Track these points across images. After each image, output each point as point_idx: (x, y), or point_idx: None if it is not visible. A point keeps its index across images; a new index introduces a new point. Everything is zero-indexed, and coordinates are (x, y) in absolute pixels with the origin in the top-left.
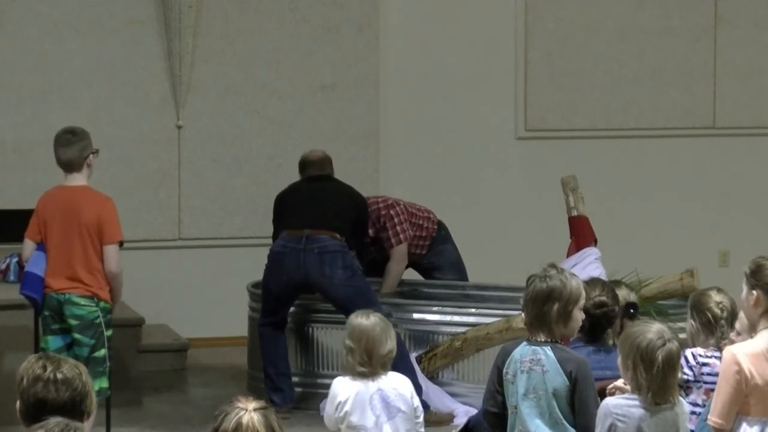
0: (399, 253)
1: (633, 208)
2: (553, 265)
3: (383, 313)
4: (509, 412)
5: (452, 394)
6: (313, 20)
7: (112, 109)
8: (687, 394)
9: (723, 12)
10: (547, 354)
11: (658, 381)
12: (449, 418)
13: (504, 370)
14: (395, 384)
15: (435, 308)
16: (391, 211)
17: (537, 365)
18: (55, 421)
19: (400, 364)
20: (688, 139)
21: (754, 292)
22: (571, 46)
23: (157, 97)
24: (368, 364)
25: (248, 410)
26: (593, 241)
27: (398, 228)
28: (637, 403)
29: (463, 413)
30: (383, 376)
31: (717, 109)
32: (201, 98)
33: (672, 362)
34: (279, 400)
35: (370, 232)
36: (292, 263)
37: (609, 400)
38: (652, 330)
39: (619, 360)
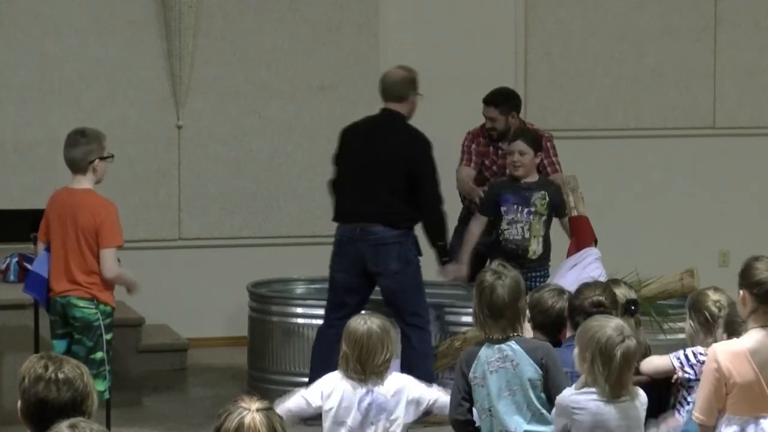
0: (560, 179)
1: (633, 208)
2: (502, 264)
3: (420, 315)
4: (481, 415)
5: None
6: (313, 20)
7: (112, 109)
8: (689, 393)
9: (723, 12)
10: (513, 348)
11: (615, 376)
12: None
13: (471, 375)
14: (390, 389)
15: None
16: (551, 143)
17: (506, 362)
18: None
19: (421, 366)
20: (688, 139)
21: (741, 291)
22: (571, 46)
23: (157, 97)
24: (361, 372)
25: (251, 410)
26: (593, 241)
27: (556, 159)
28: (594, 396)
29: None
30: (378, 384)
31: (717, 109)
32: (201, 98)
33: (629, 359)
34: None
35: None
36: (351, 251)
37: (564, 395)
38: (611, 326)
39: (576, 351)
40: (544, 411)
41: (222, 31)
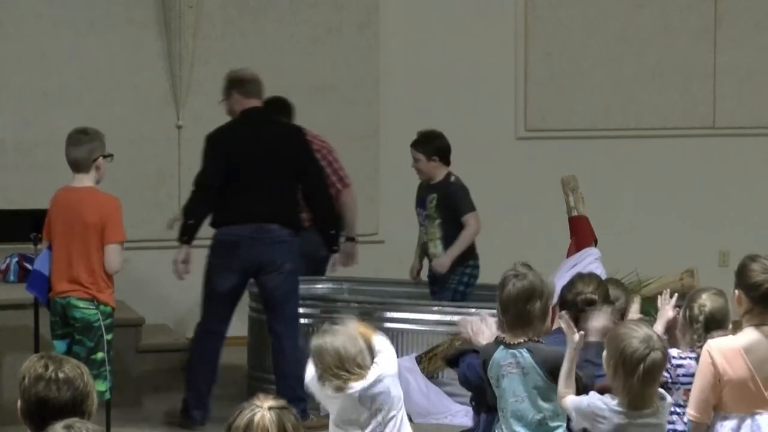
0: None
1: (633, 208)
2: (525, 264)
3: (297, 320)
4: (498, 413)
5: (452, 394)
6: (313, 20)
7: (112, 109)
8: (670, 393)
9: (723, 12)
10: (524, 356)
11: (637, 389)
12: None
13: (488, 374)
14: (372, 376)
15: (435, 308)
16: (332, 156)
17: (515, 368)
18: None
19: (295, 371)
20: (688, 139)
21: (736, 291)
22: (571, 46)
23: (157, 97)
24: (345, 371)
25: (263, 408)
26: (593, 241)
27: (343, 173)
28: (616, 405)
29: (462, 413)
30: (365, 374)
31: (717, 109)
32: (201, 98)
33: (654, 372)
34: (199, 417)
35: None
36: (243, 251)
37: (592, 399)
38: (638, 336)
39: (604, 356)
40: (546, 421)
41: (222, 31)
